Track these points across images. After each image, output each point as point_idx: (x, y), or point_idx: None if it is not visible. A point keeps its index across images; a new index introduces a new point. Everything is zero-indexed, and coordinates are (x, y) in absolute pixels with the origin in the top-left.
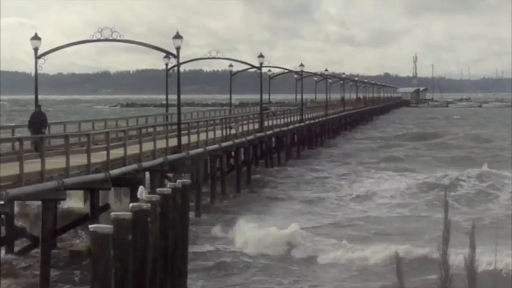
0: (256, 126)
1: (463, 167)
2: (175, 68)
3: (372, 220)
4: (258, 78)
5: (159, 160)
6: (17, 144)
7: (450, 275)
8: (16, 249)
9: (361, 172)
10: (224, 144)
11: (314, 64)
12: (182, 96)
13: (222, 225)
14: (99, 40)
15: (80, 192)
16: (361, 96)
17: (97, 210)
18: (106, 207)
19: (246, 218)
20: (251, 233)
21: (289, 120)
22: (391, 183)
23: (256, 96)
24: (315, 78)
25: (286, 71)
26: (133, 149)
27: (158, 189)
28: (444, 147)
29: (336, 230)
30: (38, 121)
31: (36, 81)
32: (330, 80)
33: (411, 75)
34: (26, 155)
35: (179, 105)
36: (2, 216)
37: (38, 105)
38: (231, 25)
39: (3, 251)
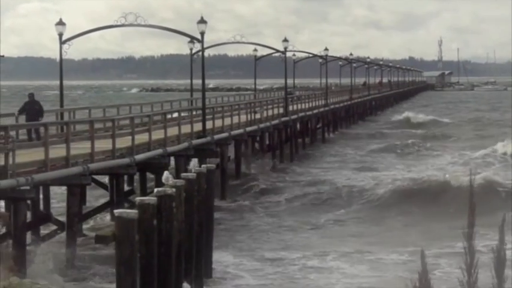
0: (281, 110)
1: None
2: (200, 53)
3: None
4: (283, 63)
5: (184, 145)
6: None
7: (476, 260)
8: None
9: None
10: (249, 128)
11: (340, 48)
12: (206, 81)
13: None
14: (123, 25)
15: None
16: (384, 80)
17: (122, 196)
18: (130, 193)
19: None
20: None
21: (314, 104)
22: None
23: (281, 81)
24: (340, 63)
25: (310, 55)
26: (158, 134)
27: (183, 174)
28: None
29: None
30: (32, 110)
31: (61, 67)
32: (354, 64)
33: (436, 59)
34: (51, 140)
35: (203, 90)
36: (28, 201)
37: (31, 94)
38: (258, 9)
39: (29, 236)
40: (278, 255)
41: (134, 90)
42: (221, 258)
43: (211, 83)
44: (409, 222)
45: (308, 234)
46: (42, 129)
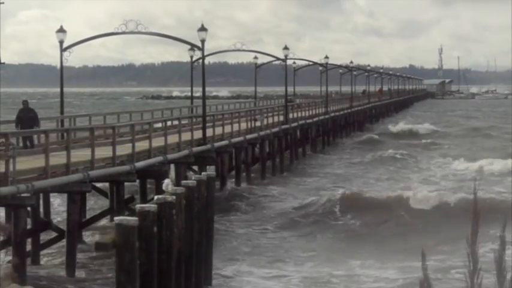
0: (281, 118)
1: None
2: (200, 60)
3: None
4: (283, 71)
5: (184, 152)
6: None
7: (479, 267)
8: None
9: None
10: (249, 136)
11: (341, 55)
12: (207, 89)
13: None
14: (124, 33)
15: None
16: (384, 88)
17: (122, 203)
18: (131, 200)
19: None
20: None
21: (314, 112)
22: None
23: (281, 89)
24: (340, 71)
25: (311, 63)
26: (158, 141)
27: (183, 182)
28: None
29: None
30: (27, 118)
31: (62, 74)
32: (355, 72)
33: (437, 67)
34: (52, 147)
35: (204, 97)
36: (28, 208)
37: (25, 101)
38: (258, 16)
39: (29, 244)
40: (299, 265)
41: (134, 99)
42: (233, 267)
43: (218, 90)
44: (423, 229)
45: (324, 244)
46: (36, 137)
